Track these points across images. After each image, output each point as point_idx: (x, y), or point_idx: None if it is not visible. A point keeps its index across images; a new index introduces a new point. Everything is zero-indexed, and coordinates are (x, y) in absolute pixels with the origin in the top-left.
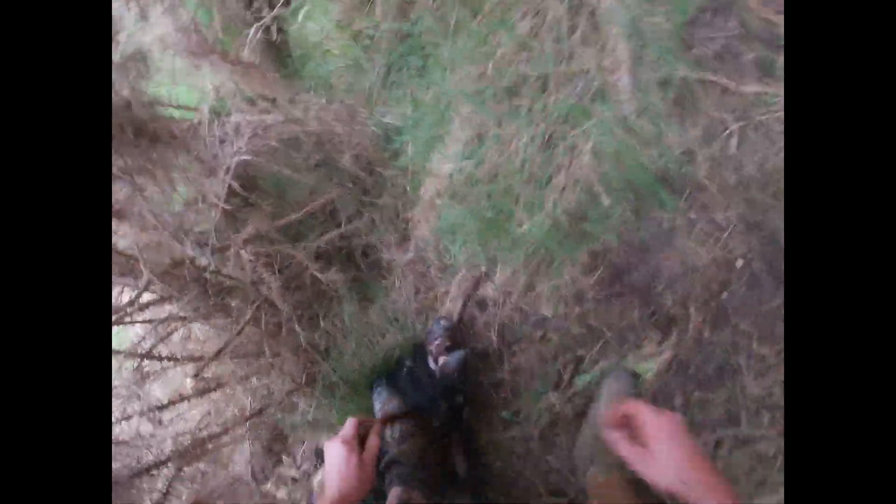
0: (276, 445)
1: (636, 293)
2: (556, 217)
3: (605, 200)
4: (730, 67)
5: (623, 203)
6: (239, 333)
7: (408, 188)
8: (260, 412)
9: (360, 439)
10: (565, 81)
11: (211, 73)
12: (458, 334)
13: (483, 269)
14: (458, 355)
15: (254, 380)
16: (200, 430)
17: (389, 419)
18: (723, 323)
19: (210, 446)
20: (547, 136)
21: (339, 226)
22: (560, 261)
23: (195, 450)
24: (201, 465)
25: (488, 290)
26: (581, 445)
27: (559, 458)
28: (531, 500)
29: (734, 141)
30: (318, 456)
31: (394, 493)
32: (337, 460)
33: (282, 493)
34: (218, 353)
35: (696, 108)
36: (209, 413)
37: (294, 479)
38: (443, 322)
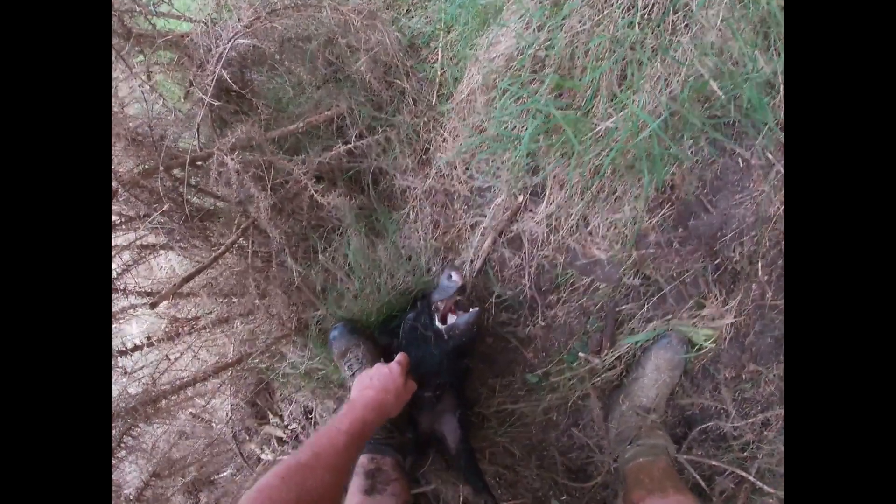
0: (260, 400)
1: (702, 241)
2: (656, 107)
3: (720, 92)
4: None
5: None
6: (217, 258)
7: (434, 99)
8: (239, 360)
9: None
10: None
11: None
12: (472, 292)
13: (523, 197)
14: (468, 317)
15: (237, 323)
16: (160, 376)
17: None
18: None
19: (179, 396)
20: (650, 4)
21: (346, 143)
22: (635, 180)
23: (157, 401)
24: (179, 422)
25: (528, 224)
26: (618, 420)
27: (587, 433)
28: (542, 486)
29: None
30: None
31: (360, 463)
32: (387, 375)
33: (267, 455)
34: (185, 280)
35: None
36: (181, 359)
37: (281, 440)
38: (454, 276)
